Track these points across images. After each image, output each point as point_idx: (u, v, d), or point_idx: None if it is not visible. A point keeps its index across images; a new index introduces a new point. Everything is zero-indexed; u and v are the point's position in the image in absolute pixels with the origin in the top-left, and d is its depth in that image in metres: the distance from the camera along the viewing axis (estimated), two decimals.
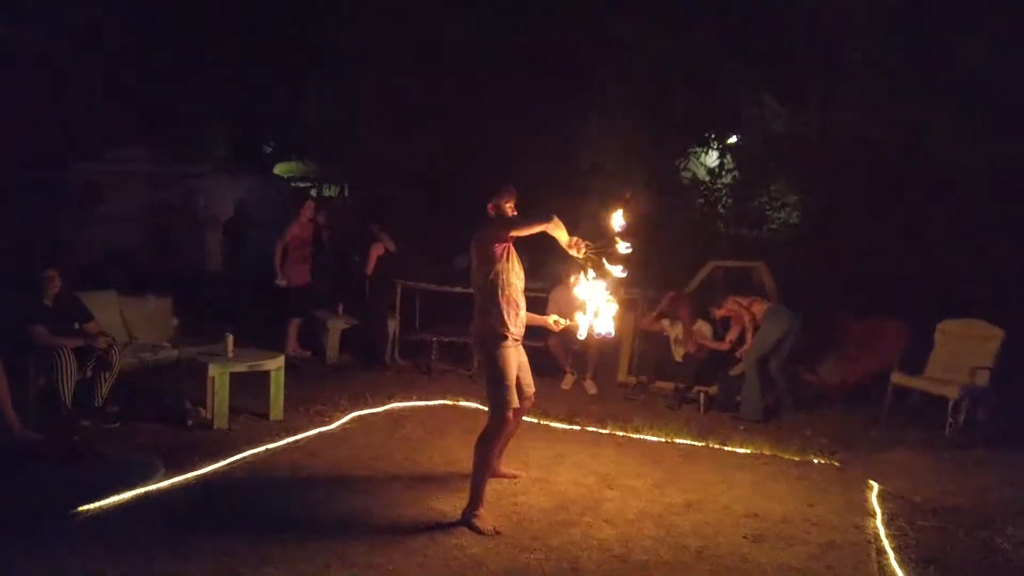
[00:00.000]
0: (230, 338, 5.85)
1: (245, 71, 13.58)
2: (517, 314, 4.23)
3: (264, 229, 9.17)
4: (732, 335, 7.23)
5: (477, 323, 4.24)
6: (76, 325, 5.71)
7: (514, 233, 4.17)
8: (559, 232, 4.17)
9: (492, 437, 4.15)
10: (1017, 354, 6.56)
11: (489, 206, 4.36)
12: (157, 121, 13.84)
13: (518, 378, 4.30)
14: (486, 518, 4.09)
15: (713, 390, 7.07)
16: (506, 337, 4.17)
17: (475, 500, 4.13)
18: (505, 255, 4.18)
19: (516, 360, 4.25)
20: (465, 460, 4.62)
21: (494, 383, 4.15)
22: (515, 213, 4.33)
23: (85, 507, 4.06)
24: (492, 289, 4.16)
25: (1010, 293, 7.91)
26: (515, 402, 4.16)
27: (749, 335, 7.07)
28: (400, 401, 6.60)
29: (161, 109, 13.85)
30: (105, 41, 12.98)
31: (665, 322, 7.67)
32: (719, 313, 7.33)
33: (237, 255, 9.87)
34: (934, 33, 9.47)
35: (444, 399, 6.74)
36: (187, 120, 14.81)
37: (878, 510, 4.64)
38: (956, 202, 9.25)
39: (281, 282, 7.75)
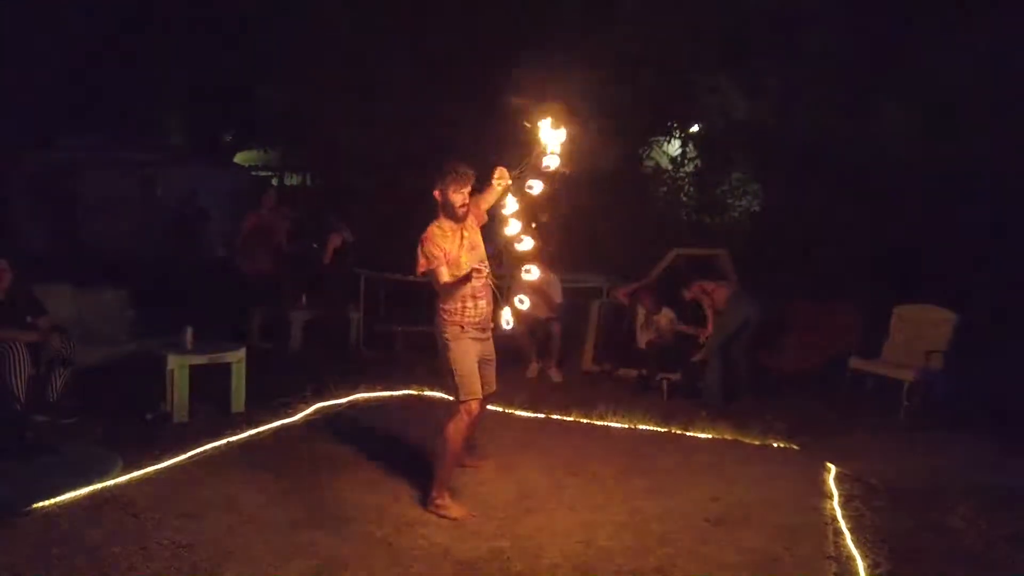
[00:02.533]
0: (189, 330, 5.76)
1: (202, 57, 13.31)
2: (475, 305, 4.12)
3: (223, 219, 9.04)
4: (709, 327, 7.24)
5: (436, 312, 4.20)
6: (28, 319, 5.56)
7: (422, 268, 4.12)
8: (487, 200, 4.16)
9: (455, 429, 4.11)
10: (970, 338, 6.75)
11: (435, 192, 4.16)
12: (114, 110, 13.53)
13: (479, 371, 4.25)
14: (451, 505, 4.09)
15: (676, 377, 7.14)
16: (462, 327, 4.11)
17: (439, 489, 4.12)
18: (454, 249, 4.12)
19: (475, 352, 4.17)
20: (431, 450, 4.62)
21: (450, 375, 4.12)
22: (467, 202, 4.13)
23: (41, 504, 3.98)
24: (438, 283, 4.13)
25: (964, 278, 8.13)
26: (477, 392, 4.10)
27: (710, 321, 7.15)
28: (365, 392, 6.54)
29: (117, 97, 13.54)
30: (57, 26, 12.63)
31: (630, 300, 7.75)
32: (688, 296, 7.36)
33: (195, 245, 9.72)
34: (891, 23, 9.65)
35: (409, 389, 6.70)
36: (145, 109, 14.51)
37: (835, 492, 4.74)
38: (912, 191, 9.45)
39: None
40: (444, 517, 4.04)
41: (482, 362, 4.26)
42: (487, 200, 4.26)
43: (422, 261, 4.13)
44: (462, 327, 4.11)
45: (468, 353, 4.12)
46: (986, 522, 4.33)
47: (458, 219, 4.18)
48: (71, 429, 5.28)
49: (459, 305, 4.10)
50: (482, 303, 4.15)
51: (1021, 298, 8.03)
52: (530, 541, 3.87)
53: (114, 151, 11.68)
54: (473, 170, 4.15)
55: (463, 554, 3.70)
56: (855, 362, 6.89)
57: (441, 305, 4.14)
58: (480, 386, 4.15)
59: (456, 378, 4.10)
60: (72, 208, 11.07)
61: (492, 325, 4.29)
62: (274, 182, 15.83)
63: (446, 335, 4.12)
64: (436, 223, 4.20)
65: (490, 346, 4.33)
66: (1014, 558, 3.94)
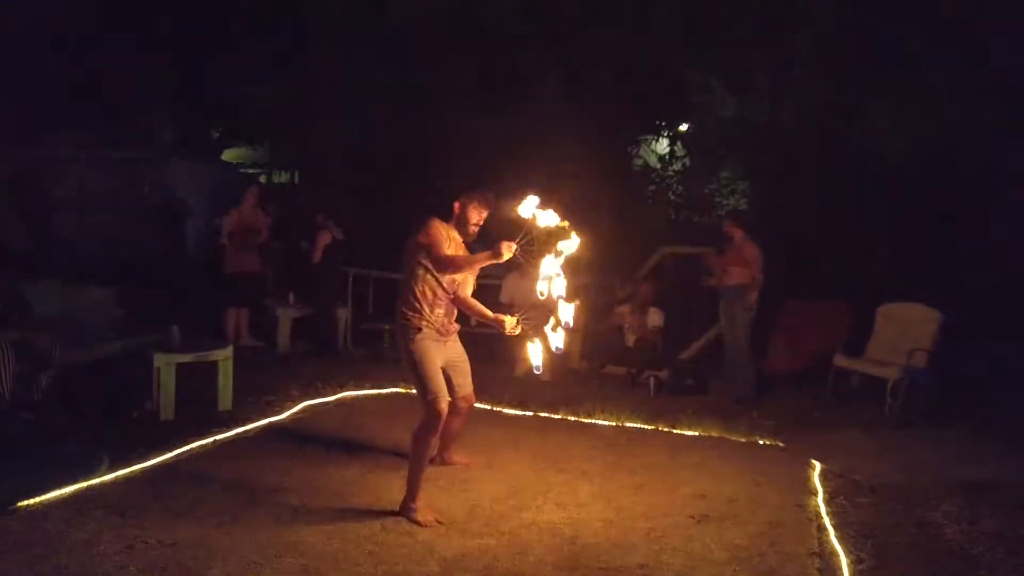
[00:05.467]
0: (175, 328, 5.74)
1: (190, 53, 13.21)
2: (432, 309, 4.16)
3: (210, 216, 9.00)
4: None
5: (396, 315, 4.24)
6: (14, 316, 5.54)
7: (434, 266, 4.10)
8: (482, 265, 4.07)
9: (424, 431, 4.08)
10: (954, 336, 6.82)
11: (456, 203, 4.22)
12: (100, 107, 13.40)
13: (448, 375, 4.26)
14: (424, 510, 4.05)
15: (663, 374, 7.18)
16: (420, 329, 4.13)
17: (411, 493, 4.07)
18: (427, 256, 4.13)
19: (439, 354, 4.20)
20: None
21: (415, 376, 4.14)
22: (480, 223, 4.21)
23: (25, 502, 3.96)
24: (409, 283, 4.16)
25: (949, 277, 8.20)
26: (442, 393, 4.09)
27: (753, 294, 6.87)
28: (352, 390, 6.56)
29: (104, 94, 13.41)
30: (37, 17, 12.49)
31: (623, 309, 7.77)
32: (726, 228, 7.12)
33: (178, 243, 9.68)
34: (880, 23, 9.71)
35: (397, 387, 6.71)
36: (132, 106, 14.39)
37: (820, 489, 4.78)
38: (898, 189, 9.51)
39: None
40: (417, 521, 3.98)
41: (451, 366, 4.31)
42: (477, 261, 4.10)
43: (429, 240, 4.07)
44: (420, 328, 4.14)
45: (428, 352, 4.13)
46: (969, 518, 4.39)
47: (467, 235, 4.24)
48: (56, 427, 5.24)
49: (418, 309, 4.14)
50: (440, 311, 4.20)
51: (1005, 296, 8.11)
52: (516, 538, 3.89)
53: (100, 148, 11.57)
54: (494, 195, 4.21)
55: (449, 551, 3.70)
56: (840, 360, 6.94)
57: (401, 308, 4.19)
58: (445, 386, 4.15)
59: (420, 378, 4.10)
60: (57, 205, 10.98)
61: (454, 330, 4.33)
62: (262, 179, 15.75)
63: (406, 337, 4.15)
64: (442, 224, 4.19)
65: (457, 349, 4.38)
66: (996, 554, 3.99)
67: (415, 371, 4.13)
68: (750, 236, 6.97)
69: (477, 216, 4.21)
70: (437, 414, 4.06)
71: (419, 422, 4.11)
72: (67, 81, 12.72)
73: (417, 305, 4.15)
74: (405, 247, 4.21)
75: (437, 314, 4.20)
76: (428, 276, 4.16)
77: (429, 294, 4.16)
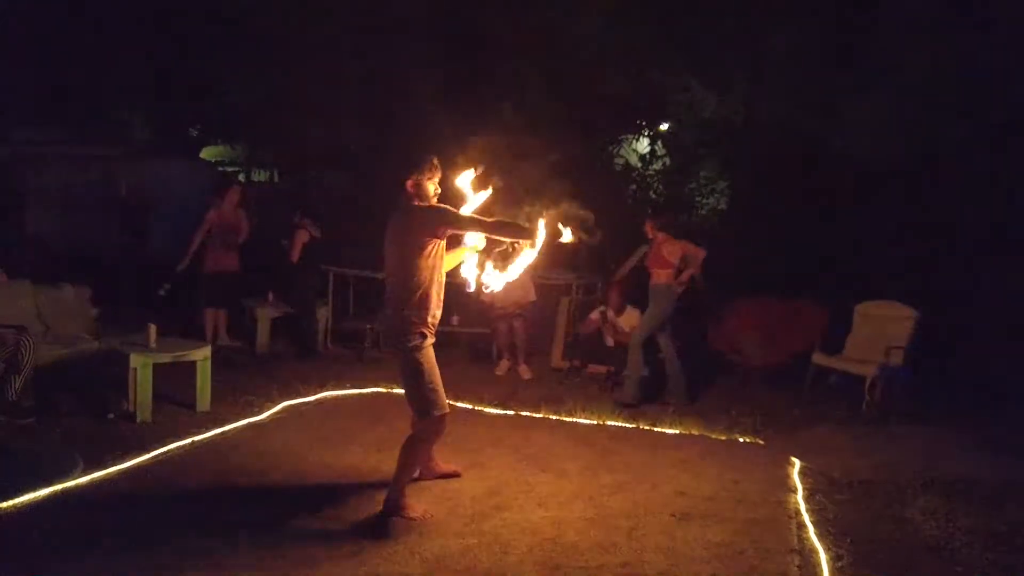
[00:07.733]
0: (152, 328, 5.67)
1: (164, 47, 13.06)
2: (437, 310, 4.02)
3: (187, 214, 8.87)
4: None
5: (393, 318, 3.97)
6: None
7: (453, 230, 3.97)
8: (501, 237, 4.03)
9: (423, 442, 4.05)
10: (930, 334, 6.90)
11: (408, 183, 4.01)
12: (77, 104, 13.22)
13: None
14: (411, 504, 4.05)
15: (645, 373, 7.17)
16: (426, 336, 3.97)
17: (399, 491, 4.04)
18: (436, 248, 3.95)
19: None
20: (399, 449, 4.60)
21: (418, 386, 3.94)
22: (439, 191, 4.06)
23: None
24: (417, 283, 3.90)
25: (925, 276, 8.29)
26: (445, 405, 4.00)
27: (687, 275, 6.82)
28: (332, 390, 6.51)
29: (80, 91, 13.23)
30: (13, 12, 12.31)
31: (595, 314, 7.78)
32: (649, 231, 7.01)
33: (145, 240, 9.55)
34: (857, 24, 9.79)
35: (377, 387, 6.67)
36: (109, 103, 14.20)
37: (799, 486, 4.82)
38: (877, 187, 9.61)
39: (181, 267, 7.48)
40: (405, 517, 3.98)
41: None
42: (452, 259, 4.17)
43: (437, 216, 3.95)
44: (425, 335, 3.98)
45: (433, 361, 4.02)
46: (945, 515, 4.44)
47: None
48: (30, 429, 5.16)
49: (424, 314, 3.96)
50: (438, 311, 4.06)
51: (981, 295, 8.21)
52: (498, 538, 3.87)
53: (74, 145, 11.42)
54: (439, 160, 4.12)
55: (431, 551, 3.69)
56: (818, 358, 7.00)
57: (405, 312, 3.93)
58: (445, 395, 4.06)
59: (427, 391, 3.94)
60: (29, 203, 10.81)
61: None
62: (240, 177, 15.61)
63: (412, 343, 3.93)
64: None
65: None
66: (972, 550, 4.03)
67: (421, 382, 3.93)
68: (673, 234, 6.86)
69: (433, 185, 4.05)
70: (441, 427, 4.04)
71: (415, 432, 4.06)
72: (39, 77, 12.53)
73: (425, 311, 3.94)
74: (403, 242, 3.95)
75: (436, 316, 4.03)
76: (436, 274, 3.98)
77: (434, 294, 3.97)
